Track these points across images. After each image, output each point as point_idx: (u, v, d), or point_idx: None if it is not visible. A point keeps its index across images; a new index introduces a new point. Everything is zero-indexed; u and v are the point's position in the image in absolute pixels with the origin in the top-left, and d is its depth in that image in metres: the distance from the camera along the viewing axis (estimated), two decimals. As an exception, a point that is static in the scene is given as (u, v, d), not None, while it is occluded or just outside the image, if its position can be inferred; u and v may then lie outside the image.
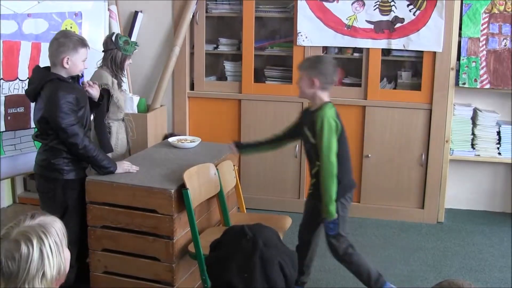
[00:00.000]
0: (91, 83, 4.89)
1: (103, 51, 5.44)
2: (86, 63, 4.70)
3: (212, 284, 2.39)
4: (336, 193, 4.51)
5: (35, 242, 2.35)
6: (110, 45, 5.36)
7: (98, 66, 5.41)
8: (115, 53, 5.34)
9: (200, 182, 4.64)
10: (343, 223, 4.69)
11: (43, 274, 2.36)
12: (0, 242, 2.37)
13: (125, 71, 5.55)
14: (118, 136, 5.49)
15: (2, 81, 5.32)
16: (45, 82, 4.51)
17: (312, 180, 4.72)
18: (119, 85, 5.41)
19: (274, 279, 2.28)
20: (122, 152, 5.52)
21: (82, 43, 4.62)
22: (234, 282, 2.27)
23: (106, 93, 5.22)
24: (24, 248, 2.33)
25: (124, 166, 4.75)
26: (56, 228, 2.46)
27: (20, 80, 5.43)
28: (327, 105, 4.57)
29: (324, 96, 4.60)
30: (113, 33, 5.51)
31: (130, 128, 5.68)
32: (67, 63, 4.53)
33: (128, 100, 5.57)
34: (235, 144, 5.14)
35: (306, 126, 4.66)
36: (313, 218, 4.83)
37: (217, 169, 4.92)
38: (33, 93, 4.61)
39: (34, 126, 4.80)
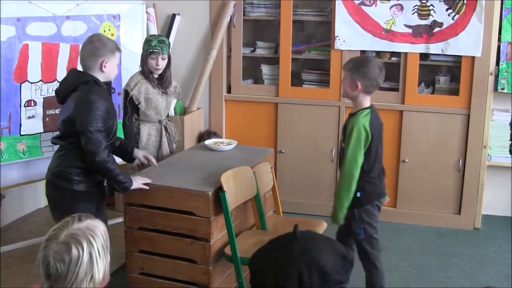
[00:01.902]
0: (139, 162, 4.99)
1: None
2: (118, 68, 4.69)
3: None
4: (361, 200, 4.52)
5: (85, 245, 2.37)
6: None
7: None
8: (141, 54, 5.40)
9: (237, 185, 4.64)
10: (371, 229, 4.65)
11: (92, 277, 2.38)
12: (47, 243, 2.39)
13: (152, 72, 5.35)
14: (150, 137, 5.48)
15: (41, 82, 5.37)
16: (80, 83, 4.39)
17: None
18: (157, 87, 5.37)
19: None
20: (155, 155, 5.46)
21: (117, 47, 4.57)
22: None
23: (125, 94, 5.32)
24: (74, 251, 2.35)
25: (138, 181, 4.54)
26: (102, 231, 2.48)
27: (58, 82, 5.47)
28: (363, 112, 4.47)
29: (365, 100, 4.50)
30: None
31: (174, 131, 5.71)
32: (105, 66, 4.44)
33: (164, 103, 5.52)
34: None
35: (343, 128, 4.64)
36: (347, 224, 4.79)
37: (253, 172, 4.92)
38: (63, 93, 4.48)
39: (58, 127, 4.58)
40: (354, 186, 4.43)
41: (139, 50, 5.57)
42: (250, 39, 7.13)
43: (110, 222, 6.08)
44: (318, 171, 6.89)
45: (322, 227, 5.14)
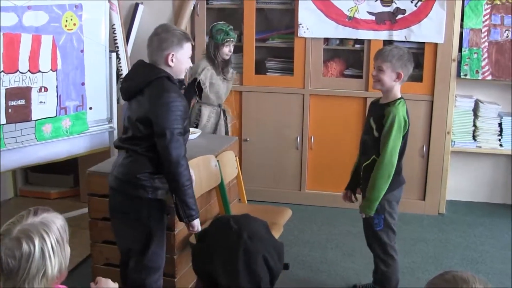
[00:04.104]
0: None
1: None
2: (190, 61, 4.13)
3: (197, 275, 2.38)
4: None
5: (36, 241, 2.33)
6: (209, 34, 5.87)
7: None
8: (209, 41, 5.92)
9: (201, 174, 4.64)
10: (391, 220, 4.63)
11: (44, 274, 2.34)
12: (0, 238, 2.35)
13: (224, 59, 5.91)
14: (210, 119, 5.94)
15: (2, 73, 5.30)
16: (153, 79, 3.95)
17: (362, 173, 4.67)
18: (221, 73, 5.88)
19: (258, 272, 2.26)
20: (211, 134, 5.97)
21: (186, 37, 4.05)
22: (217, 274, 2.26)
23: (194, 81, 5.79)
24: (25, 247, 2.32)
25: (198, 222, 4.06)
26: (58, 225, 2.43)
27: (20, 72, 5.40)
28: (400, 102, 4.45)
29: (399, 90, 4.49)
30: (216, 23, 5.97)
31: (230, 115, 6.18)
32: (172, 60, 3.98)
33: (224, 88, 6.02)
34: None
35: (372, 118, 4.57)
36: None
37: (217, 160, 4.92)
38: (134, 89, 4.02)
39: (126, 127, 4.12)
40: (392, 175, 4.41)
41: (102, 40, 5.55)
42: (214, 28, 7.11)
43: (75, 213, 6.07)
44: (283, 159, 6.91)
45: (287, 215, 5.17)
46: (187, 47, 4.03)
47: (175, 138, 3.83)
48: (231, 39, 5.83)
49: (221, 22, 5.90)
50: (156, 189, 3.99)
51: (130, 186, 3.99)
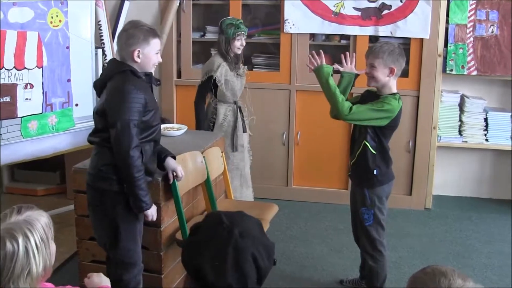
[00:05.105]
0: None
1: None
2: (159, 56, 4.11)
3: (185, 268, 2.37)
4: (376, 179, 4.53)
5: (20, 240, 2.31)
6: (219, 30, 5.80)
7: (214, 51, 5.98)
8: (220, 37, 5.78)
9: (187, 170, 4.62)
10: (381, 215, 4.63)
11: (29, 273, 2.32)
12: None
13: (235, 55, 5.83)
14: (226, 117, 5.86)
15: (-13, 70, 5.29)
16: (115, 73, 3.98)
17: (351, 162, 4.69)
18: (234, 69, 5.81)
19: (246, 270, 2.25)
20: (232, 133, 5.89)
21: (153, 33, 4.04)
22: (205, 269, 2.24)
23: (210, 79, 5.70)
24: (9, 246, 2.29)
25: (154, 210, 4.09)
26: (42, 223, 2.41)
27: (6, 69, 5.37)
28: (399, 97, 4.47)
29: (394, 85, 4.50)
30: (225, 18, 5.88)
31: (247, 111, 6.13)
32: (138, 56, 3.96)
33: (239, 84, 5.92)
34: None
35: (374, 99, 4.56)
36: (354, 208, 4.84)
37: (203, 156, 4.91)
38: (100, 84, 4.06)
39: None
40: (335, 104, 4.48)
41: (87, 36, 5.53)
42: (200, 24, 7.11)
43: (61, 210, 6.06)
44: (270, 155, 6.92)
45: (273, 211, 5.16)
46: (154, 43, 4.03)
47: (127, 129, 3.81)
48: (242, 33, 5.74)
49: (230, 17, 5.89)
50: (118, 182, 3.96)
51: (97, 179, 4.02)
